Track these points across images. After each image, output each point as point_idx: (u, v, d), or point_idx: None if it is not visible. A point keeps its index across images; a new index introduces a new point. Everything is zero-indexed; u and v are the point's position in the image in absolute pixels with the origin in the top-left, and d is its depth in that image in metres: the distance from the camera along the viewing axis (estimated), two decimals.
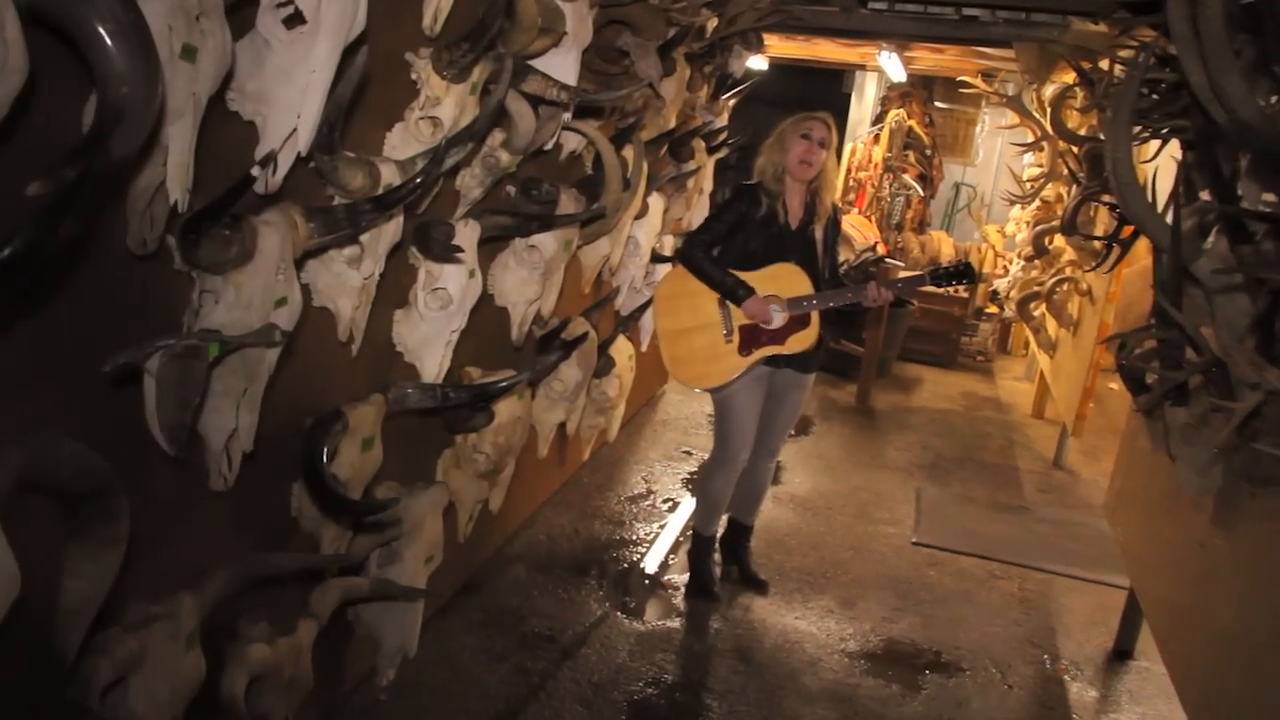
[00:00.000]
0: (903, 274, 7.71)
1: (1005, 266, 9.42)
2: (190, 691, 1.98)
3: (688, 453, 5.89)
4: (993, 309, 9.78)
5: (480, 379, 3.29)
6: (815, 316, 3.87)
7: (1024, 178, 8.33)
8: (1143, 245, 4.66)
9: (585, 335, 3.83)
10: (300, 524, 2.57)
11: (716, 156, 5.86)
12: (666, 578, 4.34)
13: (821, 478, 5.81)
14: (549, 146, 3.37)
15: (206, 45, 1.70)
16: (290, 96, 1.98)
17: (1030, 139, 7.81)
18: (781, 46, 8.10)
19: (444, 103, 2.56)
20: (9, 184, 1.41)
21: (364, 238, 2.34)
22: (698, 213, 5.87)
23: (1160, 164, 3.55)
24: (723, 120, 6.08)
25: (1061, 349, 6.75)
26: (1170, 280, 2.94)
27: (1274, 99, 2.51)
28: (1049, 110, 6.51)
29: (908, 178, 10.27)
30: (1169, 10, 2.52)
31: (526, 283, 3.47)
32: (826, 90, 11.39)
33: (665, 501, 5.13)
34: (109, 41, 1.39)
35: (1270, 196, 2.72)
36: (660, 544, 4.64)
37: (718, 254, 3.93)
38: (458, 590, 3.83)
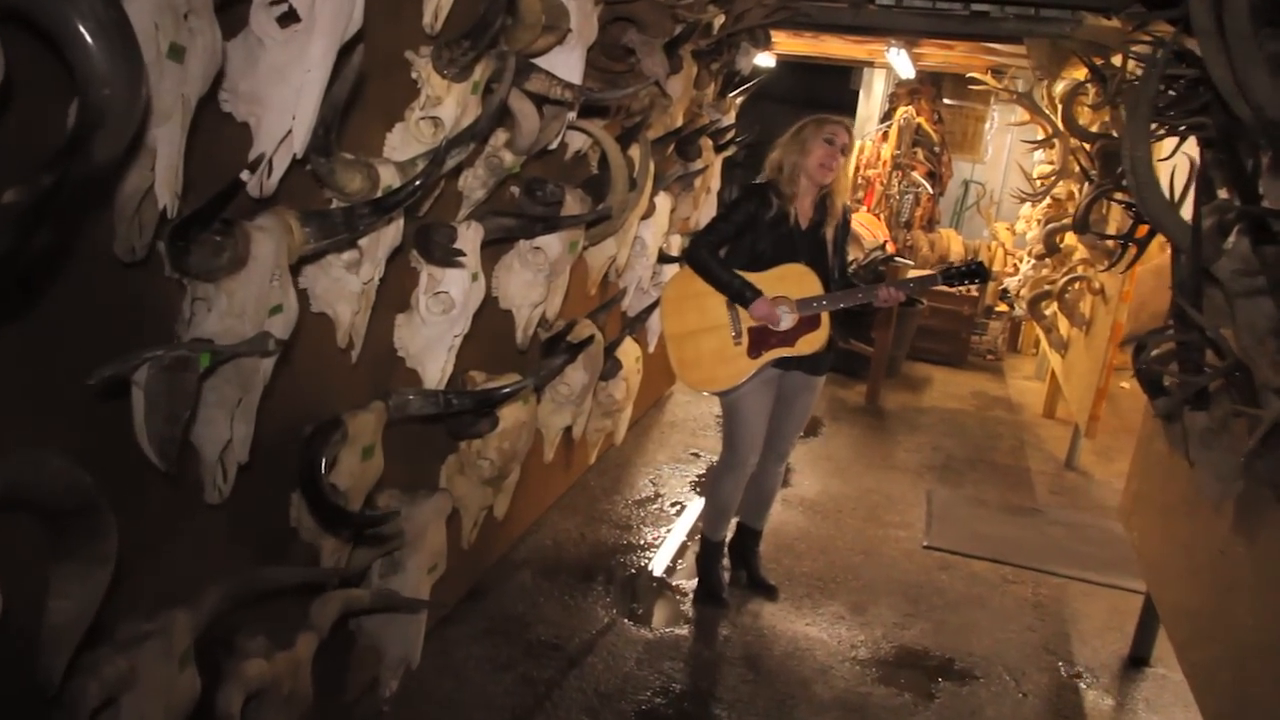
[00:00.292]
0: (913, 273, 7.64)
1: (1015, 264, 9.33)
2: (185, 711, 1.92)
3: (695, 455, 5.83)
4: (1002, 307, 9.69)
5: (484, 383, 3.23)
6: (826, 318, 3.80)
7: (1034, 175, 8.25)
8: (1155, 243, 4.60)
9: (591, 338, 3.77)
10: (300, 534, 2.51)
11: (724, 155, 5.79)
12: (675, 583, 4.28)
13: (831, 479, 5.74)
14: (554, 146, 3.31)
15: (195, 44, 1.64)
16: (285, 97, 1.92)
17: (1041, 136, 7.73)
18: (789, 43, 8.04)
19: (445, 102, 2.49)
20: None
21: (363, 242, 2.27)
22: (705, 212, 5.81)
23: (1176, 162, 3.47)
24: (730, 118, 6.00)
25: (1073, 348, 6.67)
26: (1190, 281, 2.87)
27: None
28: (1060, 107, 6.44)
29: (916, 175, 10.18)
30: (1191, 4, 2.44)
31: (531, 285, 3.40)
32: (834, 87, 11.32)
33: (673, 505, 5.06)
34: (89, 40, 1.33)
35: None
36: (668, 548, 4.58)
37: (725, 254, 3.86)
38: (462, 597, 3.77)
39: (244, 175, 1.60)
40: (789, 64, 9.19)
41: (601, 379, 4.29)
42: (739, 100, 6.10)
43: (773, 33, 6.20)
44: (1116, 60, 5.42)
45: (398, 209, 2.16)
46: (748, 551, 4.32)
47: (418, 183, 2.10)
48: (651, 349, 5.23)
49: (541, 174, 3.40)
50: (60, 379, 1.68)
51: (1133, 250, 4.39)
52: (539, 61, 2.95)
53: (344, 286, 2.33)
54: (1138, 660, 4.09)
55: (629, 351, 4.52)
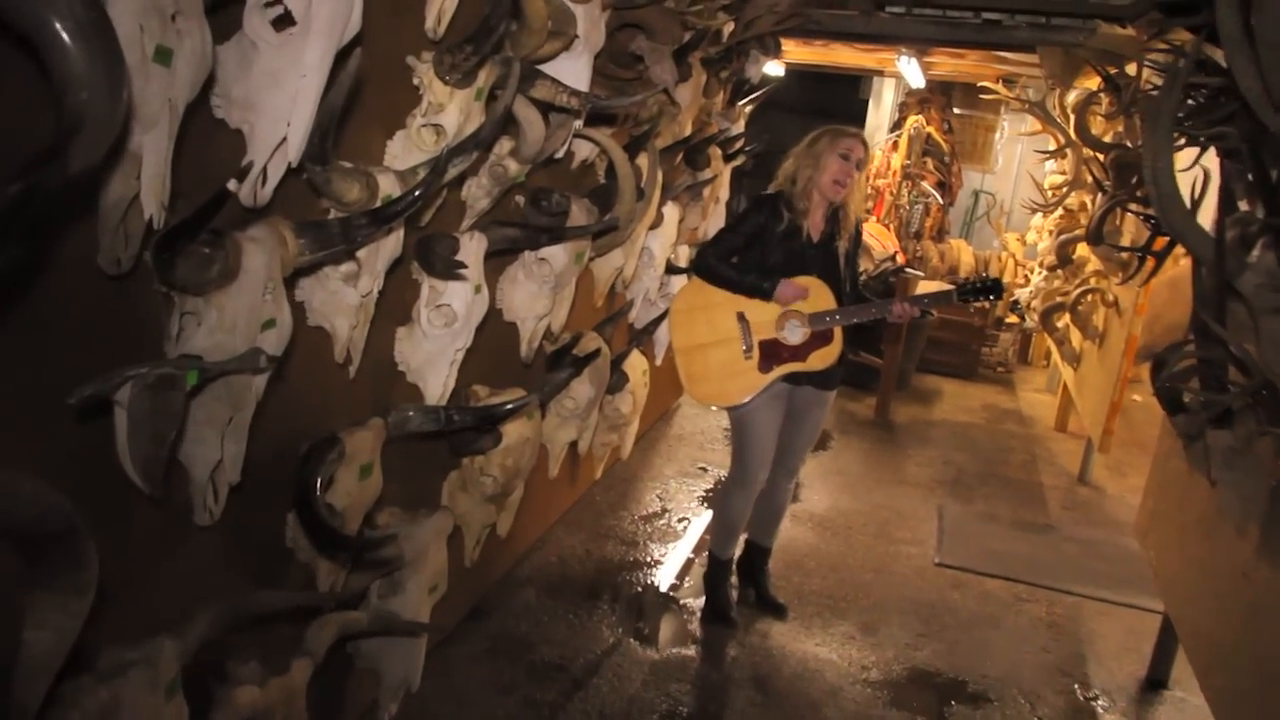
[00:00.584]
0: (923, 284, 7.56)
1: (1026, 276, 9.24)
2: None
3: (703, 469, 5.74)
4: (1013, 319, 9.60)
5: (488, 398, 3.15)
6: (838, 332, 3.72)
7: (1046, 185, 8.17)
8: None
9: (598, 351, 3.69)
10: (296, 555, 2.43)
11: (733, 164, 5.72)
12: (682, 602, 4.19)
13: (841, 495, 5.65)
14: (560, 155, 3.23)
15: (183, 47, 1.56)
16: (279, 103, 1.85)
17: (1053, 146, 7.66)
18: (799, 52, 7.97)
19: (447, 109, 2.42)
20: None
21: (361, 253, 2.20)
22: (714, 222, 5.73)
23: (1195, 174, 3.38)
24: (739, 127, 5.93)
25: (1086, 361, 6.57)
26: (1213, 296, 2.78)
27: None
28: (1073, 116, 6.36)
29: (926, 185, 10.10)
30: (1218, 11, 2.37)
31: (536, 297, 3.33)
32: (844, 96, 11.26)
33: (680, 520, 4.97)
34: (67, 41, 1.25)
35: None
36: (675, 566, 4.49)
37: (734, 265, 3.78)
38: (464, 617, 3.68)
39: (232, 185, 1.52)
40: (798, 73, 9.14)
41: (608, 392, 4.21)
42: (748, 109, 6.03)
43: (782, 41, 6.12)
44: (1131, 69, 5.35)
45: (397, 219, 2.08)
46: (756, 569, 4.23)
47: (417, 192, 2.03)
48: (659, 361, 5.15)
49: (547, 183, 3.33)
50: (40, 397, 1.60)
51: (1151, 262, 4.29)
52: (545, 68, 2.87)
53: (341, 299, 2.25)
54: (1156, 683, 3.98)
55: (636, 364, 4.44)
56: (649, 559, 4.51)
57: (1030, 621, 4.41)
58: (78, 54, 1.26)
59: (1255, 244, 2.69)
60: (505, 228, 2.98)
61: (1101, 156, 5.61)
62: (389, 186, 2.19)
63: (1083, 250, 6.79)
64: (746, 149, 5.81)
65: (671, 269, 5.02)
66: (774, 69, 7.35)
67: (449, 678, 3.37)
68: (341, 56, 1.91)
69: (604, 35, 3.24)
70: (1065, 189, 7.28)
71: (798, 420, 3.89)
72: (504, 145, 2.89)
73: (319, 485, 2.17)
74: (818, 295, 3.70)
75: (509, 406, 2.73)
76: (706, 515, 5.00)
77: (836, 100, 11.05)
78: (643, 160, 3.85)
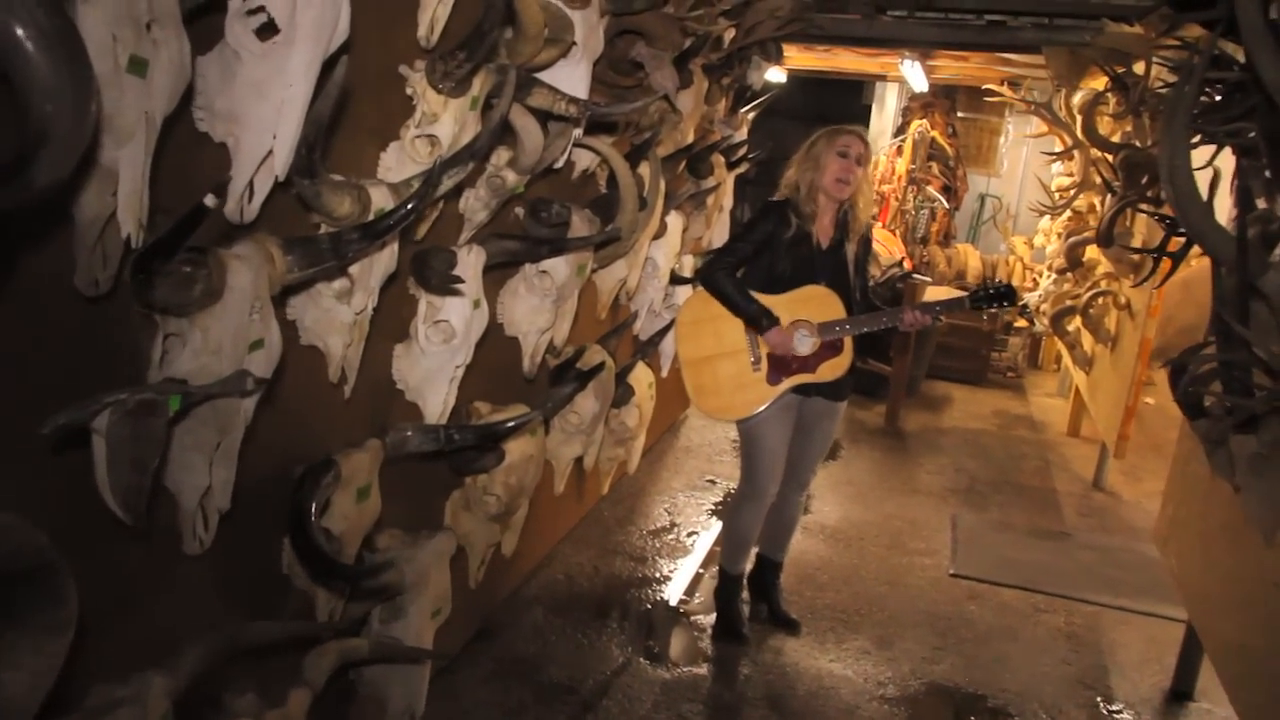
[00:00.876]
0: (931, 290, 7.47)
1: (1034, 279, 9.16)
2: None
3: (712, 481, 5.65)
4: (1022, 323, 9.50)
5: (490, 415, 3.07)
6: (848, 342, 3.64)
7: (1053, 187, 8.09)
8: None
9: (602, 365, 3.61)
10: (293, 581, 2.36)
11: (736, 172, 5.64)
12: (692, 618, 4.09)
13: (852, 505, 5.56)
14: (559, 165, 3.16)
15: (159, 57, 1.49)
16: (265, 115, 1.78)
17: (1059, 147, 7.57)
18: (800, 58, 7.91)
19: (442, 119, 2.35)
20: None
21: (353, 269, 2.12)
22: (718, 231, 5.66)
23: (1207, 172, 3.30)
24: (742, 134, 5.86)
25: (1099, 365, 6.48)
26: (1235, 297, 2.70)
27: None
28: (1080, 117, 6.28)
29: (931, 190, 10.03)
30: (1238, 3, 2.28)
31: (538, 311, 3.26)
32: (846, 102, 11.18)
33: (690, 534, 4.89)
34: (30, 49, 1.18)
35: None
36: (685, 581, 4.40)
37: (743, 275, 3.70)
38: (470, 638, 3.59)
39: (209, 200, 1.45)
40: (801, 79, 9.08)
41: (613, 406, 4.13)
42: (751, 116, 5.96)
43: (784, 47, 6.06)
44: (1139, 68, 5.27)
45: (390, 233, 2.00)
46: (768, 584, 4.14)
47: (410, 205, 1.95)
48: (665, 373, 5.07)
49: (547, 194, 3.26)
50: (14, 425, 1.52)
51: (1166, 264, 4.20)
52: (543, 76, 2.80)
53: (335, 317, 2.18)
54: (1180, 694, 3.88)
55: (641, 377, 4.36)
56: (658, 574, 4.43)
57: (1049, 632, 4.31)
58: (42, 63, 1.19)
59: (1277, 242, 2.61)
60: (504, 240, 2.90)
61: (1110, 157, 5.53)
62: (382, 200, 2.12)
63: (1093, 252, 6.71)
64: (750, 156, 5.73)
65: (676, 279, 4.95)
66: (776, 75, 7.28)
67: (456, 702, 3.28)
68: (329, 66, 1.84)
69: (603, 42, 3.17)
70: (1073, 191, 7.19)
71: (808, 432, 3.80)
72: (502, 156, 2.82)
73: (314, 510, 2.09)
74: (828, 304, 3.61)
75: (510, 424, 2.66)
76: (716, 528, 4.91)
77: (839, 106, 10.96)
78: (644, 169, 3.77)
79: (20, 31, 1.18)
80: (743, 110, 5.72)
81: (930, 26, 5.93)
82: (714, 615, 4.04)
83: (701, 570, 4.51)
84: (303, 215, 2.09)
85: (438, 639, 2.83)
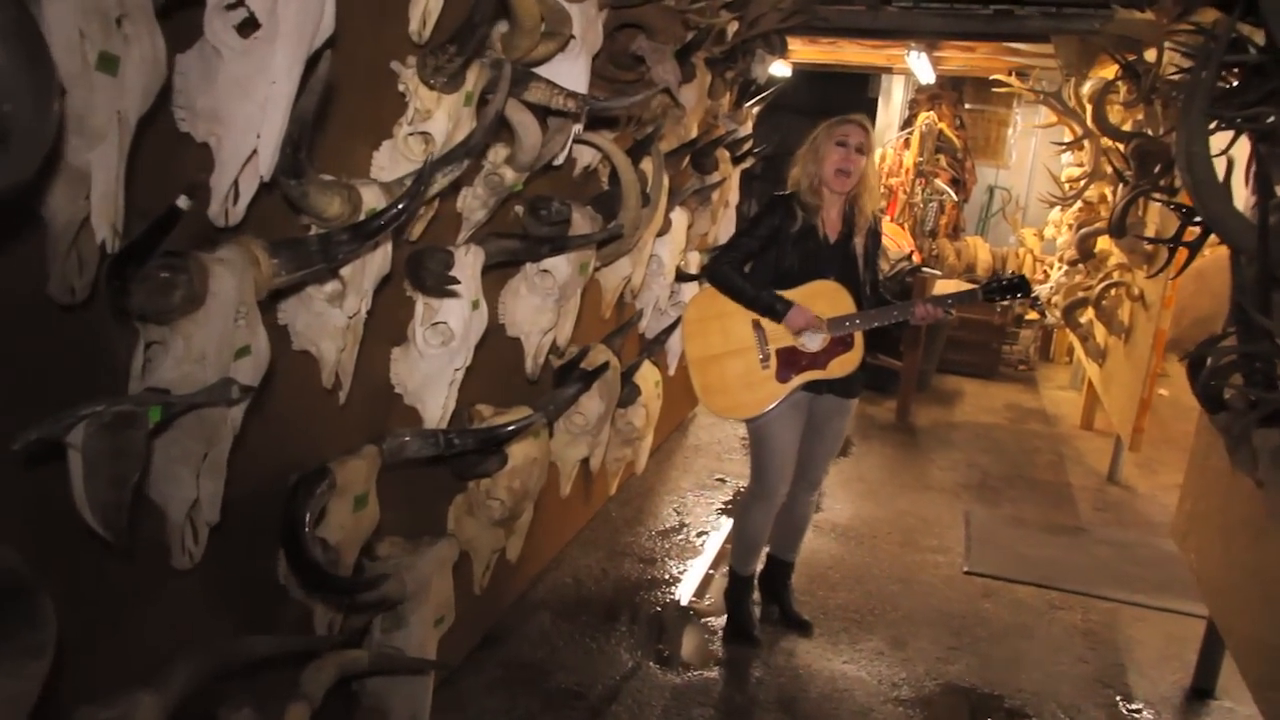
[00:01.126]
0: (941, 283, 7.39)
1: (1045, 271, 9.07)
2: None
3: (721, 480, 5.58)
4: (1033, 315, 9.41)
5: (492, 417, 3.01)
6: (859, 337, 3.56)
7: (1063, 178, 7.99)
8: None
9: (606, 365, 3.54)
10: (290, 592, 2.30)
11: (742, 167, 5.57)
12: (703, 620, 4.03)
13: (864, 502, 5.48)
14: (559, 162, 3.09)
15: (131, 54, 1.43)
16: (248, 113, 1.71)
17: (1069, 137, 7.48)
18: (805, 51, 7.83)
19: (435, 116, 2.28)
20: None
21: (345, 272, 2.06)
22: (724, 227, 5.58)
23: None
24: (747, 129, 5.78)
25: (1112, 357, 6.39)
26: (1256, 287, 2.62)
27: None
28: (1090, 106, 6.20)
29: (940, 182, 9.93)
30: None
31: (540, 311, 3.19)
32: (852, 95, 11.08)
33: (699, 535, 4.82)
34: None
35: None
36: (695, 582, 4.33)
37: (749, 271, 3.63)
38: (476, 645, 3.53)
39: (182, 202, 1.38)
40: (805, 73, 9.00)
41: (619, 406, 4.07)
42: (756, 110, 5.88)
43: (788, 40, 5.98)
44: (1150, 55, 5.18)
45: (381, 234, 1.94)
46: (779, 585, 4.07)
47: (402, 205, 1.88)
48: (672, 371, 5.01)
49: (548, 192, 3.19)
50: None
51: (1182, 254, 4.12)
52: (540, 70, 2.74)
53: (327, 321, 2.11)
54: (1201, 692, 3.80)
55: (648, 376, 4.29)
56: (667, 576, 4.36)
57: (1065, 630, 4.24)
58: None
59: None
60: (504, 239, 2.84)
61: (1121, 146, 5.44)
62: (373, 199, 2.05)
63: (1105, 243, 6.62)
64: (755, 151, 5.66)
65: (682, 276, 4.87)
66: (780, 69, 7.20)
67: (461, 711, 3.22)
68: (315, 62, 1.77)
69: (602, 36, 3.11)
70: (1084, 181, 7.10)
71: (818, 430, 3.73)
72: (499, 153, 2.75)
73: (308, 521, 2.03)
74: (837, 299, 3.54)
75: (511, 428, 2.59)
76: (725, 528, 4.85)
77: (845, 100, 10.76)
78: (647, 165, 3.70)
79: None
80: (747, 104, 5.64)
81: (936, 16, 5.85)
82: (724, 617, 3.97)
83: (712, 571, 4.44)
84: (292, 217, 2.03)
85: (443, 646, 2.77)
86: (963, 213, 10.67)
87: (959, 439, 6.95)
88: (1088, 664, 3.97)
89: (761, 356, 3.56)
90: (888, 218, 9.12)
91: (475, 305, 2.59)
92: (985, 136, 11.63)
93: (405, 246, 2.47)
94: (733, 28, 4.58)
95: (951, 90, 10.40)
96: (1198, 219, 3.81)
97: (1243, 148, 3.14)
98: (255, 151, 1.74)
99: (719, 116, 5.25)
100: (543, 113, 2.81)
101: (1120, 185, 5.59)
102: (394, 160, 2.33)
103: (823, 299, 3.53)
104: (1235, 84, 3.08)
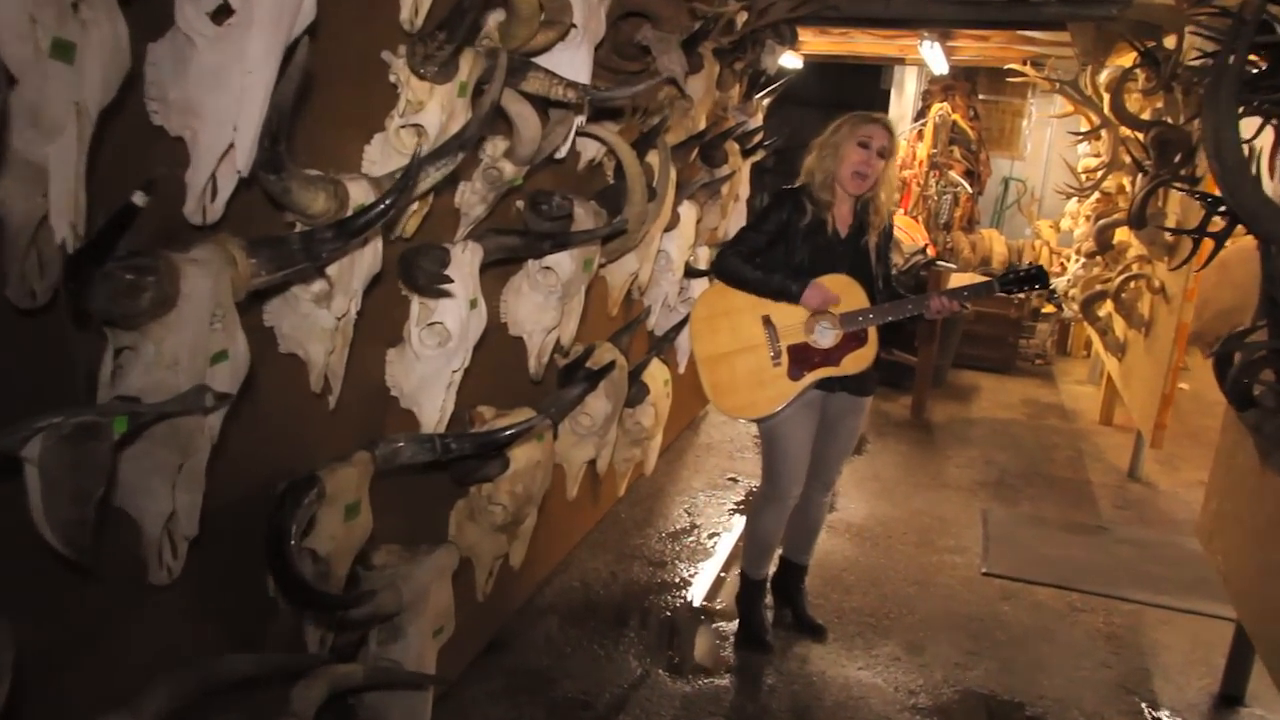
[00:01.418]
0: (957, 277, 7.27)
1: (1062, 264, 8.93)
2: None
3: (733, 479, 5.47)
4: (1050, 308, 9.28)
5: (494, 419, 2.91)
6: (872, 333, 3.45)
7: (1080, 169, 7.86)
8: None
9: (613, 364, 3.44)
10: (280, 604, 2.20)
11: (752, 160, 5.46)
12: (714, 625, 3.92)
13: (879, 502, 5.37)
14: (562, 155, 2.99)
15: (90, 40, 1.33)
16: (223, 105, 1.62)
17: (1086, 127, 7.35)
18: (816, 43, 7.73)
19: (428, 107, 2.18)
20: None
21: (332, 271, 1.96)
22: (734, 221, 5.48)
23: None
24: (757, 121, 5.67)
25: (1132, 351, 6.25)
26: None
27: None
28: (1107, 95, 6.07)
29: (954, 174, 9.80)
30: None
31: (543, 309, 3.09)
32: (865, 87, 10.99)
33: (710, 536, 4.71)
34: None
35: None
36: (706, 585, 4.23)
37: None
38: (480, 651, 3.44)
39: (137, 198, 1.28)
40: (816, 65, 8.90)
41: (627, 406, 3.97)
42: (766, 102, 5.77)
43: (799, 31, 5.87)
44: (1169, 42, 5.06)
45: (367, 231, 1.84)
46: (792, 589, 3.96)
47: (389, 201, 1.79)
48: (682, 369, 4.90)
49: (553, 186, 3.09)
50: None
51: (1207, 245, 3.99)
52: (541, 60, 2.64)
53: (314, 323, 2.02)
54: (1230, 699, 3.68)
55: (656, 374, 4.19)
56: (678, 579, 4.26)
57: (1087, 634, 4.12)
58: None
59: None
60: (504, 236, 2.74)
61: (1141, 135, 5.31)
62: (362, 195, 1.96)
63: (1123, 235, 6.49)
64: (765, 144, 5.54)
65: (691, 272, 4.77)
66: (791, 61, 7.09)
67: None
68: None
69: (604, 24, 3.00)
70: (1101, 172, 6.97)
71: (832, 429, 3.62)
72: (498, 146, 2.65)
73: (295, 532, 1.93)
74: (849, 293, 3.43)
75: (509, 432, 2.49)
76: (738, 529, 4.74)
77: (858, 92, 10.76)
78: (653, 158, 3.60)
79: None
80: (757, 96, 5.53)
81: (950, 5, 5.73)
82: (736, 622, 3.87)
83: (723, 574, 4.34)
84: (277, 214, 1.93)
85: (443, 655, 2.67)
86: (977, 205, 10.53)
87: (976, 435, 6.83)
88: (1111, 669, 3.86)
89: (772, 354, 3.45)
90: (902, 210, 8.99)
91: (473, 304, 2.50)
92: (1000, 127, 11.50)
93: (399, 244, 2.37)
94: (741, 17, 4.47)
95: (965, 81, 10.27)
96: (1222, 208, 3.70)
97: (1266, 136, 3.03)
98: (232, 145, 1.65)
99: (728, 108, 5.14)
100: (543, 104, 2.71)
101: (1139, 175, 5.45)
102: (385, 154, 2.24)
103: (834, 293, 3.42)
104: (1263, 68, 2.97)
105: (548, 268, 3.02)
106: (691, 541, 4.64)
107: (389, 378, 2.53)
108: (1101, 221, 6.75)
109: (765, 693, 3.52)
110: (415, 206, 2.29)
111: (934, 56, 7.78)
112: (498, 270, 2.95)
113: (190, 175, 1.66)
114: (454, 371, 2.52)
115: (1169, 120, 5.13)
